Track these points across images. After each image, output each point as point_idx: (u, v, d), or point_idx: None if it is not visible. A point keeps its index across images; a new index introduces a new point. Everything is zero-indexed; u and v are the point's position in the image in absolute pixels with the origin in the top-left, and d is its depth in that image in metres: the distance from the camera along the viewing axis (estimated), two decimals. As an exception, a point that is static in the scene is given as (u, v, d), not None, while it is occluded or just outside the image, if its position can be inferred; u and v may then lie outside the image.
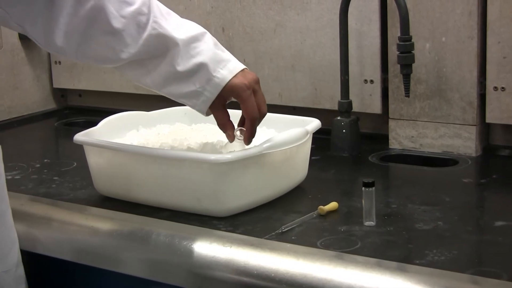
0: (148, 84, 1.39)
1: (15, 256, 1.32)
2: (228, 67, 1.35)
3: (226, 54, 1.37)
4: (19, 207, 1.49)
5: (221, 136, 1.45)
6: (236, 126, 1.42)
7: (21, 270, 1.33)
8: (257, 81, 1.37)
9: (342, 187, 1.62)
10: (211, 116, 1.41)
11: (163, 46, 1.33)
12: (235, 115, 1.43)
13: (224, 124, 1.40)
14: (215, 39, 1.38)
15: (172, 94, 1.38)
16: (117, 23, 1.29)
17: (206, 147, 1.48)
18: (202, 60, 1.33)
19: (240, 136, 1.41)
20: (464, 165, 1.66)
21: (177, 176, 1.39)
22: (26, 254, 1.41)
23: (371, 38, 1.80)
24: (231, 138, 1.41)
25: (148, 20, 1.31)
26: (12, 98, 2.33)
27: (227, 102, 1.39)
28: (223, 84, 1.34)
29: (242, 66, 1.36)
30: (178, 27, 1.34)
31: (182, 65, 1.33)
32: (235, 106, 1.44)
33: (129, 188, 1.46)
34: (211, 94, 1.35)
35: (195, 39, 1.34)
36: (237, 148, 1.41)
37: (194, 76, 1.34)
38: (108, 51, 1.31)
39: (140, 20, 1.30)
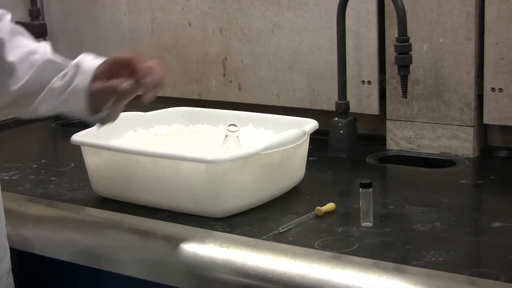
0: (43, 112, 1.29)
1: (7, 265, 1.31)
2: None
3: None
4: (16, 208, 1.49)
5: (219, 137, 1.45)
6: (226, 131, 1.42)
7: (11, 278, 1.33)
8: None
9: (340, 188, 1.62)
10: (209, 117, 1.41)
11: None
12: (232, 116, 1.43)
13: (110, 86, 1.23)
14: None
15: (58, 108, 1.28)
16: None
17: (203, 147, 1.48)
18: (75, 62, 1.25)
19: (233, 129, 1.42)
20: (461, 166, 1.66)
21: (174, 177, 1.39)
22: (22, 255, 1.41)
23: (369, 39, 1.80)
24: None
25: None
26: (10, 99, 2.33)
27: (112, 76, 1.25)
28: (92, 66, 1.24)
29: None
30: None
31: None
32: (231, 107, 1.44)
33: (126, 189, 1.46)
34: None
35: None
36: (232, 145, 1.41)
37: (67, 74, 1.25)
38: None
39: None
